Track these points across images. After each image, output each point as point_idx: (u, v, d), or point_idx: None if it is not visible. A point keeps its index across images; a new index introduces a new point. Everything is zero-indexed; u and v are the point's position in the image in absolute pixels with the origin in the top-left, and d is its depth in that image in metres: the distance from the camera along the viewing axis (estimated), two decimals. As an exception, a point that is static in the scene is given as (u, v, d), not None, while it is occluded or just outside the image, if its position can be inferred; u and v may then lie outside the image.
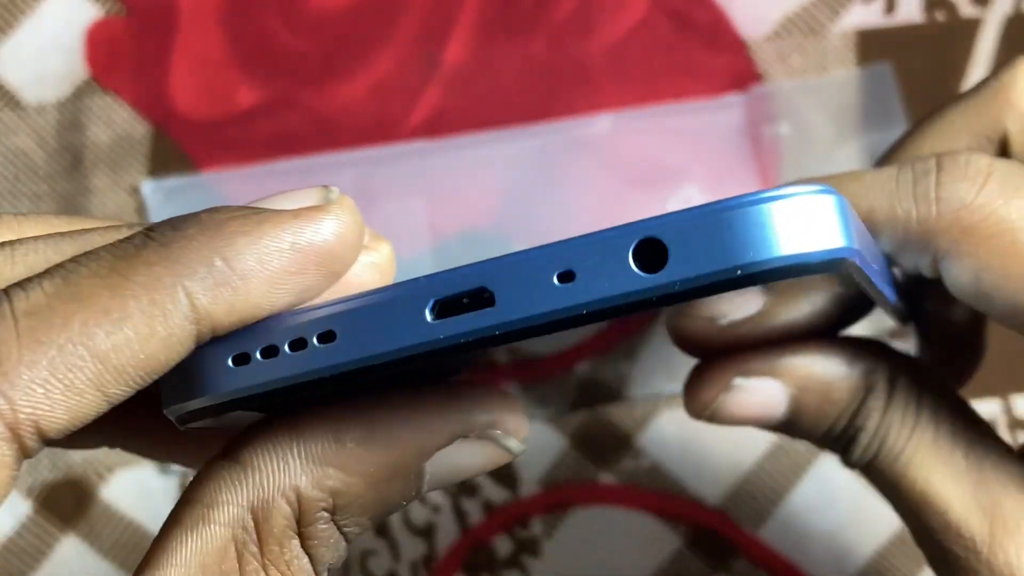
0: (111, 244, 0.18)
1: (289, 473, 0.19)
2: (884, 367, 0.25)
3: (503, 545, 0.43)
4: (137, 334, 0.17)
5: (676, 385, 0.44)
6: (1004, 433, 0.43)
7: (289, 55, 0.46)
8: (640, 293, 0.18)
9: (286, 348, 0.18)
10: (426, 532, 0.43)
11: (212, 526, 0.19)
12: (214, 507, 0.19)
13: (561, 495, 0.43)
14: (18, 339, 0.16)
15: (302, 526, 0.19)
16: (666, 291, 0.17)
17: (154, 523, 0.42)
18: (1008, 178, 0.23)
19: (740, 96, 0.45)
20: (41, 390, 0.17)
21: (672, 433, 0.43)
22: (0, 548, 0.42)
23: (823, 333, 0.26)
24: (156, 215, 0.45)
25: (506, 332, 0.18)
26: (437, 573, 0.43)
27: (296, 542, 0.19)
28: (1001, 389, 0.43)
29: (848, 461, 0.26)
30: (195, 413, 0.19)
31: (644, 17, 0.46)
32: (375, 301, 0.19)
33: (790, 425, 0.26)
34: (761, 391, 0.25)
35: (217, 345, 0.18)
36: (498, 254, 0.19)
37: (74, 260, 0.18)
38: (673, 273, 0.17)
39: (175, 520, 0.19)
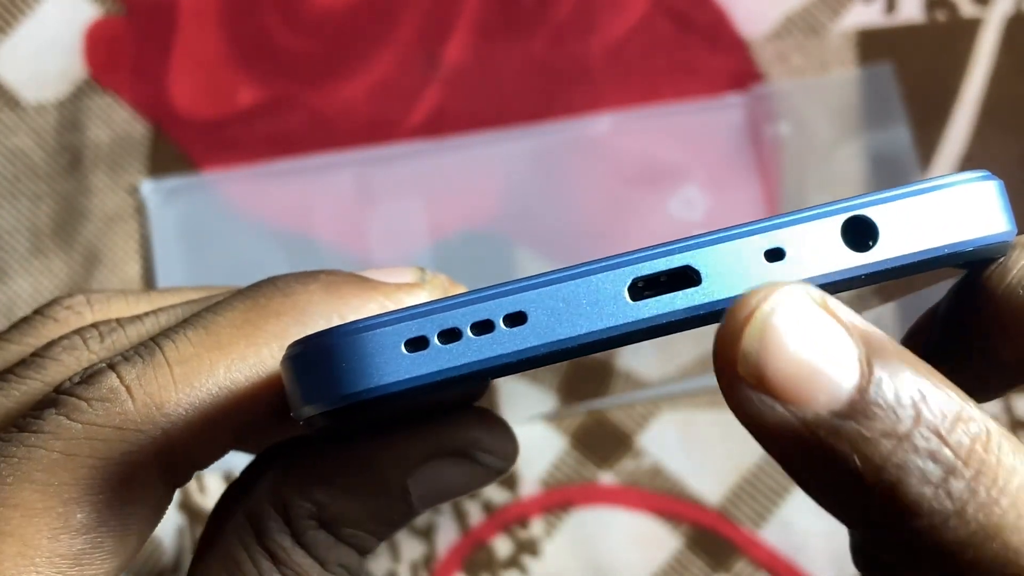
0: (243, 294, 0.20)
1: (275, 483, 0.20)
2: None
3: (503, 545, 0.43)
4: (268, 377, 0.19)
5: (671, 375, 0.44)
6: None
7: (289, 55, 0.46)
8: (850, 271, 0.17)
9: (469, 331, 0.17)
10: (426, 532, 0.43)
11: (224, 532, 0.20)
12: (224, 513, 0.21)
13: (561, 495, 0.43)
14: (175, 385, 0.18)
15: (296, 532, 0.20)
16: (875, 269, 0.17)
17: None
18: None
19: (740, 96, 0.45)
20: (195, 429, 0.19)
21: (672, 433, 0.43)
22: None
23: None
24: (155, 215, 0.45)
25: (712, 312, 0.17)
26: (437, 573, 0.43)
27: (292, 543, 0.20)
28: (1001, 389, 0.43)
29: None
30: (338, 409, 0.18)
31: (644, 17, 0.46)
32: (568, 279, 0.18)
33: None
34: None
35: (384, 328, 0.17)
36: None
37: (211, 311, 0.20)
38: (883, 252, 0.17)
39: (210, 518, 0.22)
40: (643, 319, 0.17)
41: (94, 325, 0.21)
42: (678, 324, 0.18)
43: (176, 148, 0.45)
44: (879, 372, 0.16)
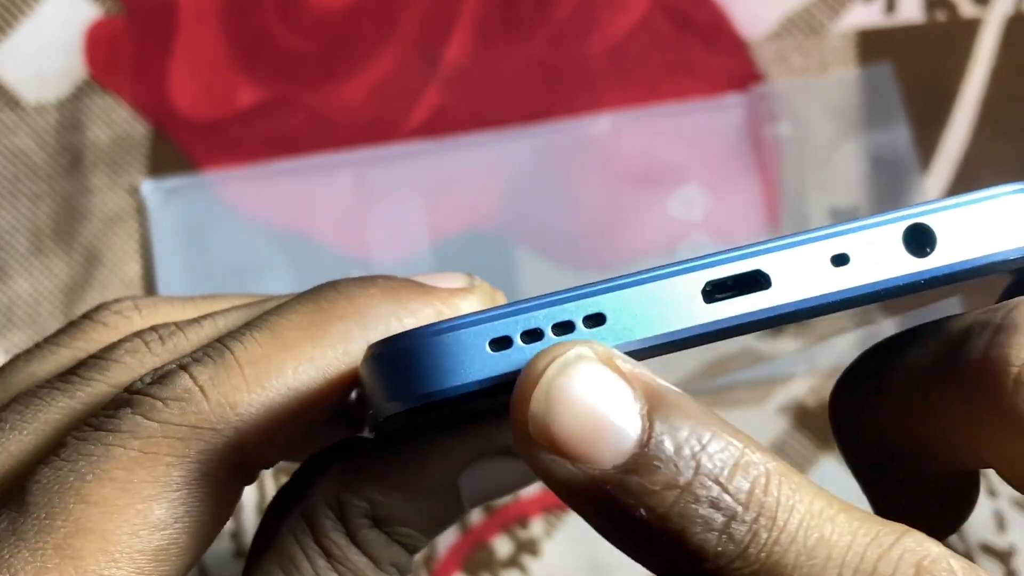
0: (305, 297, 0.21)
1: (330, 483, 0.21)
2: None
3: (503, 545, 0.43)
4: (334, 379, 0.20)
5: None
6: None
7: (289, 55, 0.46)
8: (909, 276, 0.18)
9: (550, 332, 0.18)
10: (426, 532, 0.43)
11: (279, 531, 0.21)
12: (279, 513, 0.22)
13: (561, 495, 0.43)
14: (247, 385, 0.19)
15: (351, 530, 0.21)
16: (933, 275, 0.18)
17: None
18: None
19: (740, 96, 0.45)
20: (265, 428, 0.19)
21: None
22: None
23: None
24: (156, 215, 0.45)
25: (782, 314, 0.18)
26: (437, 573, 0.43)
27: (347, 541, 0.21)
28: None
29: None
30: (417, 411, 0.19)
31: (644, 17, 0.46)
32: (645, 281, 0.18)
33: None
34: None
35: (470, 328, 0.18)
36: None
37: (275, 313, 0.20)
38: (941, 258, 0.18)
39: (264, 518, 0.22)
40: (717, 321, 0.18)
41: (153, 328, 0.21)
42: (749, 326, 0.18)
43: (176, 148, 0.45)
44: (659, 426, 0.16)
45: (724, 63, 0.46)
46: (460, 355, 0.18)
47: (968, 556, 0.41)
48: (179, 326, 0.21)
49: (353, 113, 0.46)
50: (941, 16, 0.46)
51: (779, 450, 0.43)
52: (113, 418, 0.19)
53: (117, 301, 0.23)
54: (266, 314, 0.21)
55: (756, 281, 0.18)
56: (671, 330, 0.18)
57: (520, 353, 0.18)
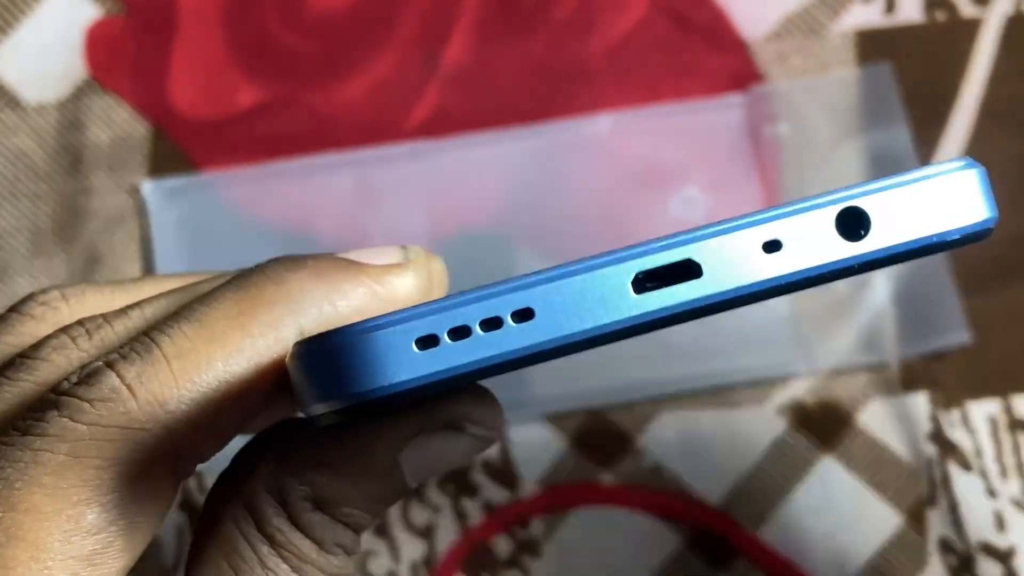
0: (233, 284, 0.20)
1: (269, 469, 0.21)
2: None
3: (503, 545, 0.43)
4: (265, 367, 0.19)
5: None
6: (1004, 433, 0.43)
7: (289, 55, 0.46)
8: (843, 261, 0.18)
9: (478, 328, 0.18)
10: (426, 532, 0.43)
11: (220, 520, 0.21)
12: (218, 502, 0.21)
13: (561, 495, 0.43)
14: (176, 381, 0.19)
15: (293, 515, 0.21)
16: (868, 259, 0.18)
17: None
18: None
19: (740, 96, 0.45)
20: (197, 423, 0.19)
21: (672, 433, 0.43)
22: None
23: None
24: (156, 215, 0.45)
25: (714, 303, 0.18)
26: (437, 573, 0.43)
27: (290, 526, 0.20)
28: (1001, 389, 0.43)
29: None
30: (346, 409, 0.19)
31: (644, 17, 0.46)
32: (573, 273, 0.18)
33: None
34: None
35: (395, 327, 0.18)
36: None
37: (202, 302, 0.20)
38: (875, 241, 0.18)
39: (204, 508, 0.22)
40: (647, 312, 0.18)
41: (80, 323, 0.21)
42: (681, 316, 0.18)
43: (177, 148, 0.45)
44: None
45: (724, 63, 0.46)
46: (386, 355, 0.18)
47: (968, 556, 0.42)
48: (106, 318, 0.21)
49: (353, 113, 0.46)
50: (941, 16, 0.46)
51: (779, 450, 0.43)
52: (40, 421, 0.18)
53: (44, 292, 0.23)
54: (194, 303, 0.20)
55: (687, 270, 0.18)
56: (599, 323, 0.18)
57: (448, 351, 0.18)
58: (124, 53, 0.46)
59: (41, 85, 0.45)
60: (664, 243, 0.18)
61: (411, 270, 0.21)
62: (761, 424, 0.43)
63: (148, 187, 0.45)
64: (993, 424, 0.43)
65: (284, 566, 0.20)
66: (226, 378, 0.19)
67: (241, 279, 0.20)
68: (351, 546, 0.22)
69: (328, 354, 0.18)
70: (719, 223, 0.18)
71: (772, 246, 0.18)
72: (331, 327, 0.19)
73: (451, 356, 0.18)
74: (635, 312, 0.18)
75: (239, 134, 0.45)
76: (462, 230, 0.45)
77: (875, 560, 0.42)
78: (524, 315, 0.18)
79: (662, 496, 0.43)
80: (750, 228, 0.18)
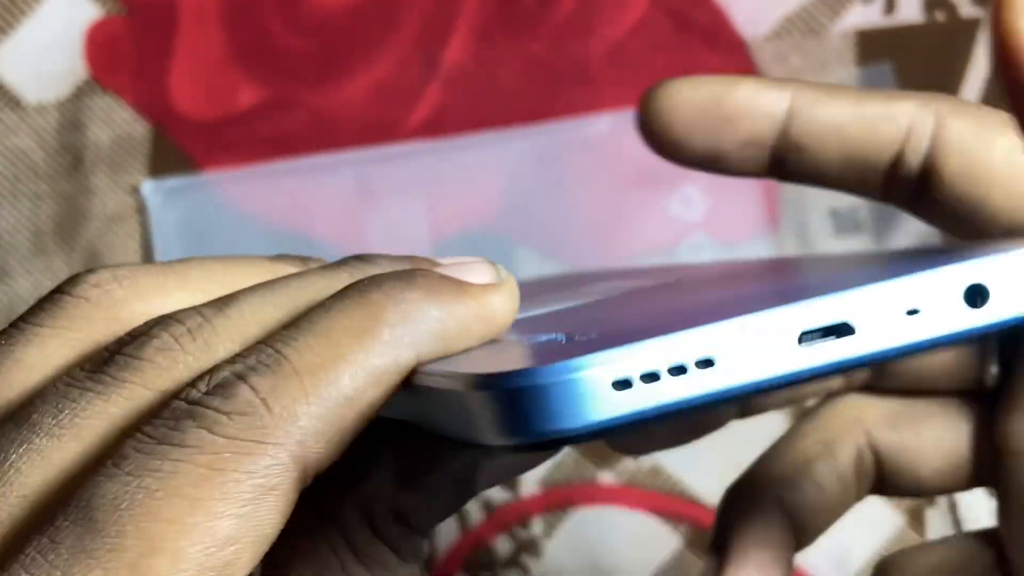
0: (351, 298, 0.20)
1: (357, 480, 0.22)
2: None
3: (503, 545, 0.43)
4: (386, 386, 0.20)
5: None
6: (1004, 433, 0.43)
7: (289, 55, 0.46)
8: (970, 330, 0.19)
9: (666, 373, 0.18)
10: (426, 532, 0.43)
11: (306, 528, 0.21)
12: (304, 510, 0.21)
13: (561, 495, 0.43)
14: (307, 396, 0.19)
15: (376, 526, 0.22)
16: (992, 327, 0.19)
17: None
18: None
19: (740, 96, 0.45)
20: (325, 438, 0.19)
21: (672, 433, 0.43)
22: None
23: None
24: (156, 215, 0.45)
25: (866, 361, 0.19)
26: (437, 573, 0.43)
27: (373, 537, 0.22)
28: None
29: None
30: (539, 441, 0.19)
31: (644, 17, 0.46)
32: (747, 327, 0.19)
33: None
34: None
35: (594, 368, 0.18)
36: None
37: (325, 315, 0.20)
38: (997, 311, 0.19)
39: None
40: (811, 366, 0.19)
41: (177, 319, 0.21)
42: (835, 371, 0.19)
43: (177, 148, 0.46)
44: None
45: (724, 63, 0.46)
46: (588, 396, 0.18)
47: (967, 556, 0.42)
48: (204, 316, 0.21)
49: (353, 113, 0.46)
50: (940, 16, 0.46)
51: (779, 450, 0.43)
52: (176, 431, 0.19)
53: (92, 272, 0.22)
54: (312, 314, 0.20)
55: (843, 329, 0.19)
56: (771, 375, 0.19)
57: (641, 394, 0.18)
58: (124, 53, 0.46)
59: (41, 85, 0.46)
60: (820, 300, 0.19)
61: (507, 291, 0.22)
62: (761, 423, 0.43)
63: (148, 187, 0.45)
64: (993, 424, 0.43)
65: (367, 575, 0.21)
66: (350, 395, 0.19)
67: (358, 295, 0.21)
68: (421, 552, 0.22)
69: (527, 391, 0.18)
70: (868, 284, 0.19)
71: (913, 312, 0.19)
72: (445, 350, 0.20)
73: (641, 399, 0.18)
74: (801, 366, 0.19)
75: (239, 134, 0.45)
76: (462, 230, 0.45)
77: (875, 559, 0.42)
78: (705, 363, 0.18)
79: (662, 496, 0.43)
80: (896, 292, 0.19)
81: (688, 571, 0.43)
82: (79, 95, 0.46)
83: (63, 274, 0.45)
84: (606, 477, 0.43)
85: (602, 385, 0.18)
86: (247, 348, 0.20)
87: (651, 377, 0.18)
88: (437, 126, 0.46)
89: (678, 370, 0.18)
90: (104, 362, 0.20)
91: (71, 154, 0.45)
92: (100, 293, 0.22)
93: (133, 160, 0.45)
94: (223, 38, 0.46)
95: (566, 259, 0.45)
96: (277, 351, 0.20)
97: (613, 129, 0.45)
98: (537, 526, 0.43)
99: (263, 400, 0.19)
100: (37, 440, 0.19)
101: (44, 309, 0.22)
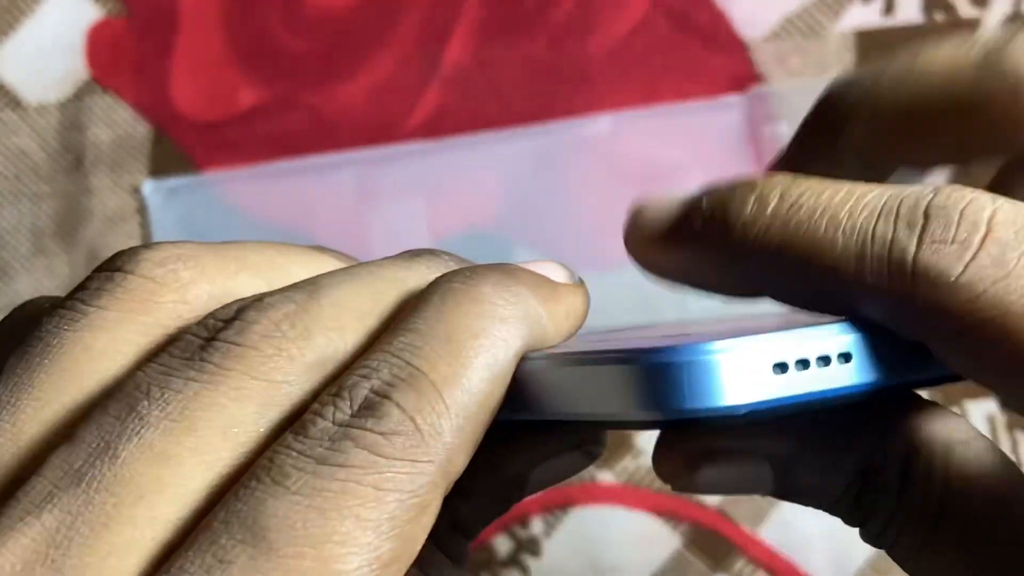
0: (465, 295, 0.20)
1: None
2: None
3: (503, 544, 0.43)
4: (503, 384, 0.20)
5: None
6: (1003, 433, 0.43)
7: (289, 55, 0.46)
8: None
9: (815, 362, 0.19)
10: (426, 531, 0.43)
11: None
12: None
13: (561, 494, 0.43)
14: (448, 411, 0.19)
15: (435, 536, 0.21)
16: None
17: None
18: (1012, 233, 0.18)
19: (740, 97, 0.45)
20: (466, 447, 0.19)
21: (672, 433, 0.43)
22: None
23: None
24: (157, 215, 0.45)
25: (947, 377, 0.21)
26: (437, 572, 0.43)
27: (433, 547, 0.21)
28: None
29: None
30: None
31: (644, 17, 0.46)
32: (878, 334, 0.20)
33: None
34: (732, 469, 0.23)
35: (758, 352, 0.19)
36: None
37: (438, 318, 0.20)
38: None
39: None
40: (945, 374, 0.20)
41: (270, 305, 0.20)
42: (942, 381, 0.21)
43: (177, 148, 0.46)
44: None
45: (723, 64, 0.46)
46: (750, 375, 0.19)
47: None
48: (295, 302, 0.20)
49: (353, 113, 0.46)
50: (940, 17, 0.46)
51: (778, 450, 0.43)
52: (337, 451, 0.18)
53: (149, 249, 0.21)
54: (423, 312, 0.20)
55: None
56: (905, 379, 0.20)
57: (795, 380, 0.19)
58: (125, 54, 0.46)
59: (42, 85, 0.46)
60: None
61: (585, 292, 0.22)
62: (760, 424, 0.43)
63: (149, 187, 0.45)
64: (992, 423, 0.43)
65: None
66: (482, 401, 0.20)
67: (464, 288, 0.20)
68: (467, 554, 0.23)
69: (695, 365, 0.18)
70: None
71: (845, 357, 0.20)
72: (542, 344, 0.20)
73: (795, 385, 0.19)
74: (936, 372, 0.20)
75: (240, 134, 0.46)
76: (462, 230, 0.45)
77: (874, 559, 0.42)
78: (845, 358, 0.19)
79: (662, 495, 0.43)
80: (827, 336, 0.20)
81: (687, 570, 0.43)
82: (80, 95, 0.46)
83: (63, 274, 0.45)
84: (606, 477, 0.43)
85: (765, 366, 0.19)
86: (370, 354, 0.20)
87: (803, 364, 0.19)
88: (437, 126, 0.46)
89: (823, 360, 0.19)
90: (201, 348, 0.20)
91: (72, 154, 0.45)
92: (166, 273, 0.21)
93: (133, 160, 0.45)
94: (223, 38, 0.46)
95: (566, 259, 0.45)
96: (408, 363, 0.19)
97: (613, 129, 0.45)
98: (537, 525, 0.43)
99: (411, 418, 0.19)
100: (148, 434, 0.19)
101: (106, 290, 0.21)
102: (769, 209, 0.20)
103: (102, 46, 0.46)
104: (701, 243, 0.21)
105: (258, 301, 0.20)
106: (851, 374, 0.19)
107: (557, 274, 0.22)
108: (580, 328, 0.22)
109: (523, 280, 0.21)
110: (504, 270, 0.21)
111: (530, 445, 0.22)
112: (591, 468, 0.43)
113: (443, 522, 0.20)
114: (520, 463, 0.22)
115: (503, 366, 0.20)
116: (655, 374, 0.19)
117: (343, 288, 0.21)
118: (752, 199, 0.21)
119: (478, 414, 0.19)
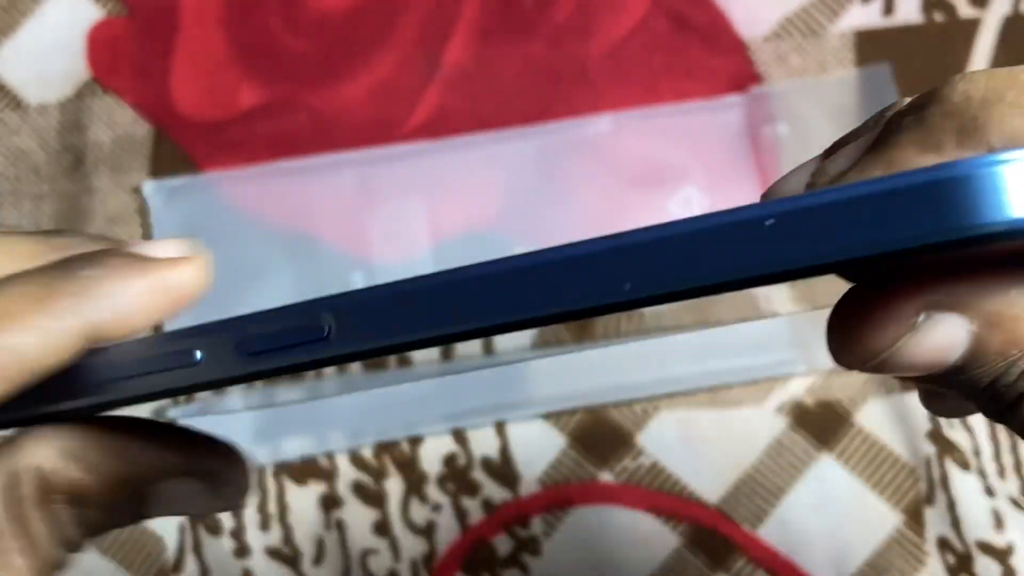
0: (45, 271, 0.22)
1: (39, 455, 0.23)
2: None
3: (503, 544, 0.43)
4: (54, 349, 0.22)
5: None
6: (1002, 432, 0.43)
7: (290, 56, 0.46)
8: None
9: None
10: (426, 531, 0.43)
11: None
12: None
13: (561, 494, 0.43)
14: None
15: (43, 503, 0.23)
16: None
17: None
18: None
19: (739, 97, 0.45)
20: None
21: (671, 432, 0.43)
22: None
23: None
24: (157, 215, 0.45)
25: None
26: (437, 572, 0.43)
27: (37, 511, 0.22)
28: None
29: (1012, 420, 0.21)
30: None
31: (644, 18, 0.46)
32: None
33: (959, 371, 0.21)
34: (944, 329, 0.20)
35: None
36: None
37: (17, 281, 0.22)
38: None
39: None
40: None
41: None
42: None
43: (178, 149, 0.46)
44: None
45: (723, 64, 0.46)
46: None
47: (967, 554, 0.42)
48: None
49: (354, 114, 0.46)
50: (939, 17, 0.46)
51: (777, 449, 0.43)
52: None
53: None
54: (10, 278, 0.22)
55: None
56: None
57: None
58: (126, 54, 0.46)
59: (43, 86, 0.46)
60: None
61: (194, 265, 0.24)
62: (760, 423, 0.43)
63: (149, 187, 0.45)
64: (991, 423, 0.43)
65: None
66: (12, 347, 0.21)
67: (52, 267, 0.22)
68: (78, 546, 0.24)
69: (984, 178, 0.17)
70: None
71: None
72: (125, 321, 0.22)
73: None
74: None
75: (240, 134, 0.46)
76: (462, 230, 0.45)
77: (874, 558, 0.42)
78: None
79: (662, 495, 0.43)
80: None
81: (687, 569, 0.43)
82: (80, 96, 0.46)
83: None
84: (605, 476, 0.43)
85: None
86: None
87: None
88: (437, 126, 0.46)
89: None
90: None
91: (72, 154, 0.45)
92: None
93: (134, 160, 0.46)
94: (224, 39, 0.46)
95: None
96: None
97: (613, 129, 0.45)
98: (537, 525, 0.43)
99: None
100: None
101: None
102: None
103: (102, 46, 0.46)
104: None
105: None
106: None
107: (164, 251, 0.24)
108: (184, 298, 0.24)
109: (106, 264, 0.23)
110: (88, 256, 0.23)
111: (150, 454, 0.24)
112: (591, 467, 0.43)
113: (56, 490, 0.22)
114: (140, 466, 0.24)
115: (55, 329, 0.21)
116: (958, 186, 0.18)
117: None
118: None
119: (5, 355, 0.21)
